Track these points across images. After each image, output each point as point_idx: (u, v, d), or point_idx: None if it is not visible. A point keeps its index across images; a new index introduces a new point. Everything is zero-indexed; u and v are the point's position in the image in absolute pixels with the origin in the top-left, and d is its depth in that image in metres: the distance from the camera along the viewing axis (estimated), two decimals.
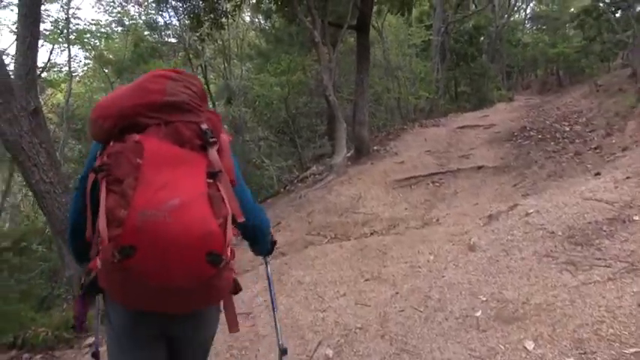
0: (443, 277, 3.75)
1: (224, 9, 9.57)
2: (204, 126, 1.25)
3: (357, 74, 9.42)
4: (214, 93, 16.61)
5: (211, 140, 1.24)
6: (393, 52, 15.35)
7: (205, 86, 1.49)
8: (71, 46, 14.34)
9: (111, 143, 1.20)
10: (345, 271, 4.31)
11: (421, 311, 3.29)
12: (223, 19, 9.82)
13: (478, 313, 3.06)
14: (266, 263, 1.91)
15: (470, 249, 4.24)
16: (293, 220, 6.40)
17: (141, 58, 14.08)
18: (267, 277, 1.90)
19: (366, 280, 4.10)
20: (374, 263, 4.38)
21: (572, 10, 26.35)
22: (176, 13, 13.51)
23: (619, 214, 3.84)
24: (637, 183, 4.40)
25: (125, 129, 1.22)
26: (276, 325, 1.84)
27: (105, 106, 1.29)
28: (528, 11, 28.26)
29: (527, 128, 9.90)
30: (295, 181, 9.81)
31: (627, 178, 4.60)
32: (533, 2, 28.27)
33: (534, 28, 28.18)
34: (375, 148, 9.90)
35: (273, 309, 1.86)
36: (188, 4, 9.13)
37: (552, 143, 7.78)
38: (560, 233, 3.88)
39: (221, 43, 16.12)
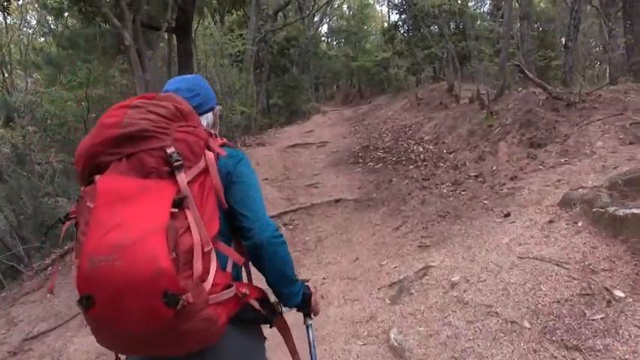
0: None
1: None
2: (169, 150, 1.10)
3: None
4: None
5: (176, 164, 1.09)
6: (208, 62, 13.67)
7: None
8: None
9: (82, 188, 1.13)
10: None
11: None
12: None
13: None
14: (307, 326, 1.55)
15: (395, 354, 2.79)
16: None
17: None
18: (309, 342, 1.53)
19: None
20: None
21: (372, 25, 28.67)
22: None
23: (588, 285, 2.82)
24: (568, 229, 3.55)
25: (94, 171, 1.15)
26: None
27: (77, 150, 1.21)
28: (326, 27, 30.01)
29: (370, 147, 9.17)
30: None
31: (550, 222, 3.74)
32: (335, 17, 29.96)
33: (335, 42, 30.04)
34: None
35: None
36: None
37: (412, 167, 6.95)
38: (527, 325, 2.69)
39: None
